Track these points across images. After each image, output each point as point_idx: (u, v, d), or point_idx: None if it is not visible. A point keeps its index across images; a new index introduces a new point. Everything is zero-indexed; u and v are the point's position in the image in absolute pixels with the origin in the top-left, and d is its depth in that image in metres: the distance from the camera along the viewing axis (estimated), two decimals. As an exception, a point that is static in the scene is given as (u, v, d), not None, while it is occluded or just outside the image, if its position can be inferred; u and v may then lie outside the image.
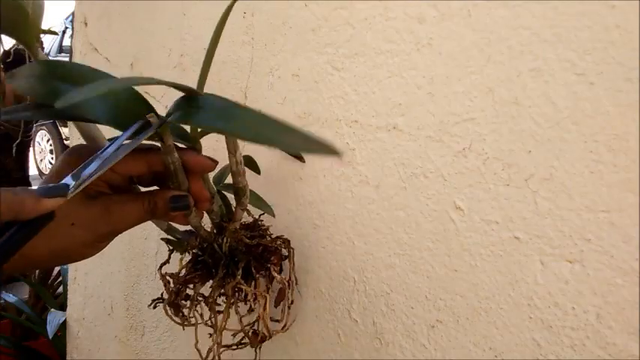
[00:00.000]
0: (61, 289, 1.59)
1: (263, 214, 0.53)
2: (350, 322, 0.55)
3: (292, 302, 0.53)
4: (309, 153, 0.27)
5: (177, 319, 0.50)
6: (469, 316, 0.45)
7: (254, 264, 0.48)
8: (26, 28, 0.35)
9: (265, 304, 0.49)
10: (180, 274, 0.50)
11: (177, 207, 0.39)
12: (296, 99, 0.59)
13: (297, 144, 0.27)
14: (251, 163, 0.56)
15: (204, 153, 0.41)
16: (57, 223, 0.33)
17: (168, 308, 0.50)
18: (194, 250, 0.49)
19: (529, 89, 0.41)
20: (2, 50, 1.77)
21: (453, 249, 0.46)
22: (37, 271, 1.66)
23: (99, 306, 1.01)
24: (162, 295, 0.51)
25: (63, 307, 1.21)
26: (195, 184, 0.39)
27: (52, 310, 1.27)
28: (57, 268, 1.64)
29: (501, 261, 0.43)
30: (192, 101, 0.34)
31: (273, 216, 0.56)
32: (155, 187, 0.40)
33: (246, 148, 0.66)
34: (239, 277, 0.46)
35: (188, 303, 0.50)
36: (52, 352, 1.35)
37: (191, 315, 0.50)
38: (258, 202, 0.56)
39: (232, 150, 0.42)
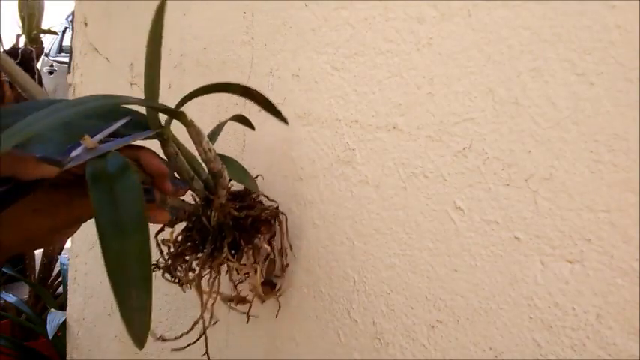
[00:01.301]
0: (61, 289, 1.59)
1: (256, 177, 0.53)
2: (350, 322, 0.55)
3: (287, 265, 0.55)
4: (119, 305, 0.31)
5: (176, 278, 0.51)
6: (469, 316, 0.45)
7: (242, 236, 0.49)
8: None
9: (256, 273, 0.50)
10: (178, 239, 0.50)
11: None
12: (296, 99, 0.59)
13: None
14: (244, 120, 0.54)
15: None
16: (20, 209, 0.34)
17: (165, 274, 0.51)
18: (185, 223, 0.50)
19: (529, 89, 0.41)
20: (2, 50, 1.77)
21: (453, 249, 0.46)
22: (37, 271, 1.66)
23: (99, 306, 1.01)
24: (157, 262, 0.52)
25: (63, 307, 1.21)
26: (149, 159, 0.39)
27: (52, 310, 1.27)
28: (57, 268, 1.64)
29: (501, 261, 0.43)
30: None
31: (256, 191, 0.57)
32: None
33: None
34: (225, 253, 0.47)
35: (184, 268, 0.51)
36: (52, 352, 1.35)
37: (186, 280, 0.51)
38: (243, 175, 0.55)
39: (197, 141, 0.41)
